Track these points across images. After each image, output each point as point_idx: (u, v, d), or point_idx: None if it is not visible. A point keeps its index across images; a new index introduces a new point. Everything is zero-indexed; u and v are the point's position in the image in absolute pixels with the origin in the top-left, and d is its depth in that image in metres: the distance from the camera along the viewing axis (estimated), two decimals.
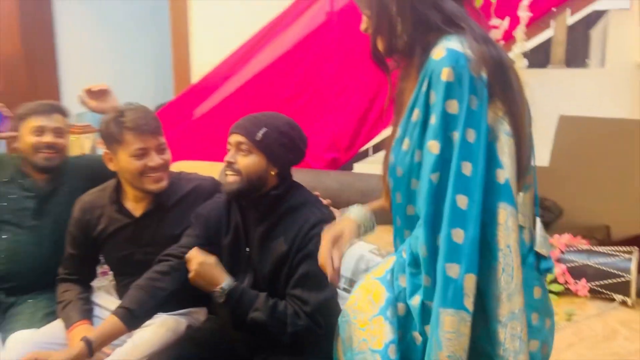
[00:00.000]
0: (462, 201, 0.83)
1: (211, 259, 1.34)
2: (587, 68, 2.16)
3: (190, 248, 1.43)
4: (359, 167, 2.05)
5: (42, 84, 3.85)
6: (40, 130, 1.70)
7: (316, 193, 1.53)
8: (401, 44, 0.95)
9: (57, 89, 4.01)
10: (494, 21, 1.72)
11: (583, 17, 2.20)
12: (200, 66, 3.09)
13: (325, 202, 1.51)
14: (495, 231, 0.84)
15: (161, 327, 1.56)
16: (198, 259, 1.33)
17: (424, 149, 0.87)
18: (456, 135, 0.84)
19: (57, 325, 1.52)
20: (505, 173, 0.85)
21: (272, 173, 1.38)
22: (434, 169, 0.85)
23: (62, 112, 1.77)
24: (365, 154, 2.09)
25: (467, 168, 0.83)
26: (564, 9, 1.78)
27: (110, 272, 1.79)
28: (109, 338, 1.30)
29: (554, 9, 1.74)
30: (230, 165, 1.37)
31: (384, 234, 1.87)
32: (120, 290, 1.66)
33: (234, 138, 1.38)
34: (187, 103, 2.47)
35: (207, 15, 2.76)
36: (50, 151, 1.69)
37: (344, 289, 1.67)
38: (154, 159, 1.46)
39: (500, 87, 0.87)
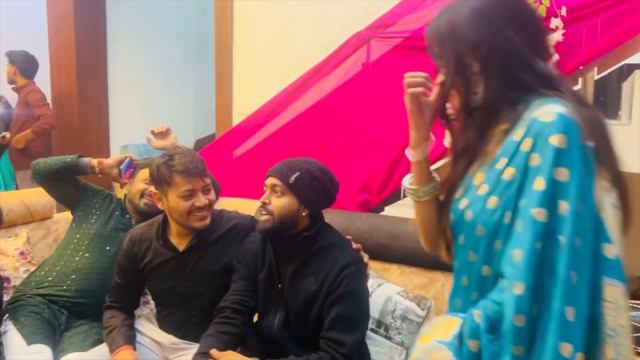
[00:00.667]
0: (574, 277, 0.80)
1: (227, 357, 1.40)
2: (615, 122, 2.19)
3: (239, 293, 1.55)
4: (389, 210, 2.12)
5: (93, 120, 4.07)
6: (150, 182, 1.88)
7: (348, 237, 1.61)
8: (478, 100, 0.93)
9: (107, 124, 4.23)
10: None
11: (613, 70, 2.25)
12: (242, 108, 3.25)
13: (355, 246, 1.58)
14: (602, 308, 0.81)
15: None
16: None
17: (525, 214, 0.83)
18: (564, 205, 0.80)
19: (104, 348, 1.63)
20: (614, 248, 0.82)
21: (304, 214, 1.48)
22: (539, 238, 0.81)
23: None
24: (396, 197, 2.17)
25: (578, 242, 0.80)
26: (591, 67, 1.85)
27: (152, 302, 1.89)
28: None
29: (581, 67, 1.82)
30: (264, 205, 1.48)
31: (412, 277, 1.93)
32: (161, 320, 1.76)
33: (270, 180, 1.49)
34: (228, 144, 2.60)
35: (250, 60, 2.93)
36: (151, 199, 1.84)
37: (371, 329, 1.72)
38: (201, 199, 1.57)
39: (606, 155, 0.85)
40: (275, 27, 2.68)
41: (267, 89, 2.60)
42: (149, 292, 1.85)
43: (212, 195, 1.64)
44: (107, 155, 4.36)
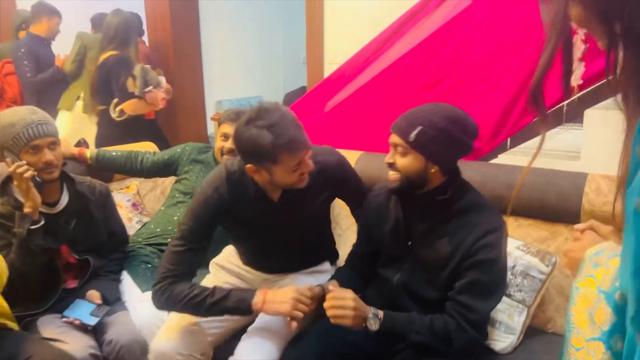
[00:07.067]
0: None
1: (348, 299, 1.32)
2: None
3: (355, 259, 1.64)
4: (503, 158, 1.94)
5: (189, 76, 4.15)
6: (225, 137, 1.94)
7: None
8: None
9: (201, 80, 4.30)
10: None
11: None
12: (334, 57, 3.12)
13: None
14: None
15: None
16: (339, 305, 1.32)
17: None
18: None
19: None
20: None
21: (433, 171, 1.36)
22: None
23: None
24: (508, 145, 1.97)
25: None
26: None
27: None
28: None
29: None
30: (390, 165, 1.40)
31: (531, 230, 1.76)
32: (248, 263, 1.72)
33: (392, 139, 1.39)
34: (321, 95, 2.46)
35: (342, 6, 2.77)
36: (232, 156, 1.83)
37: None
38: (308, 164, 1.44)
39: None
40: None
41: (360, 35, 2.44)
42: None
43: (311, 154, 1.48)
44: (204, 112, 4.46)
